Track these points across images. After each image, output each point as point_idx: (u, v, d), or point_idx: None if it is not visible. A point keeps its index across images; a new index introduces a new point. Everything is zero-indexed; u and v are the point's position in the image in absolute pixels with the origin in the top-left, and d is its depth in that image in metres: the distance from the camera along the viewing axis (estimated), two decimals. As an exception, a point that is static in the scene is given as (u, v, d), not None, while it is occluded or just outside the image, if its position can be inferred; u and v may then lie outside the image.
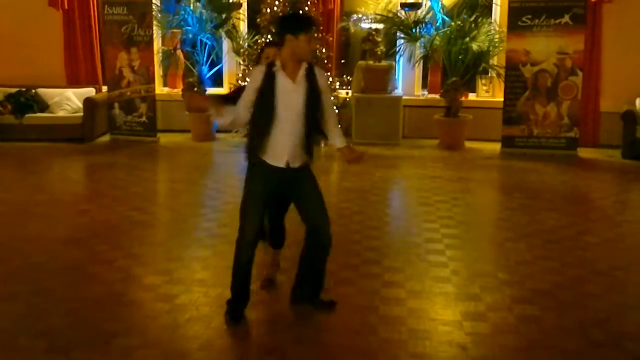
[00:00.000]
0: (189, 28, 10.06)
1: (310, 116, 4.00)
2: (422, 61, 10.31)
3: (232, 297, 4.19)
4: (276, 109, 3.92)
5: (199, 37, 10.10)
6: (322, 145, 8.87)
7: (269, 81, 3.93)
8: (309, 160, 4.12)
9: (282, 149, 3.98)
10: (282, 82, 3.94)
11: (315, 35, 4.13)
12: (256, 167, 4.06)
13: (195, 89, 10.06)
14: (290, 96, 3.94)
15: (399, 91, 10.37)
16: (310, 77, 3.99)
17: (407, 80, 10.64)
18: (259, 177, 4.06)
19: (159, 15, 10.25)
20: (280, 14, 9.23)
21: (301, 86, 3.96)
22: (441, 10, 9.84)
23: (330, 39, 10.10)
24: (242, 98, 4.05)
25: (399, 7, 10.14)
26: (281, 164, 4.00)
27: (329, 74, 9.63)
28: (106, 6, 10.11)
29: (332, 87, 9.66)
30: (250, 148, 4.06)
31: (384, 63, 10.05)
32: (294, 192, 4.15)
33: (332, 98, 9.29)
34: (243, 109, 4.04)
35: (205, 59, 10.23)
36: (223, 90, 10.59)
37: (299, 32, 3.89)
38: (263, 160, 4.01)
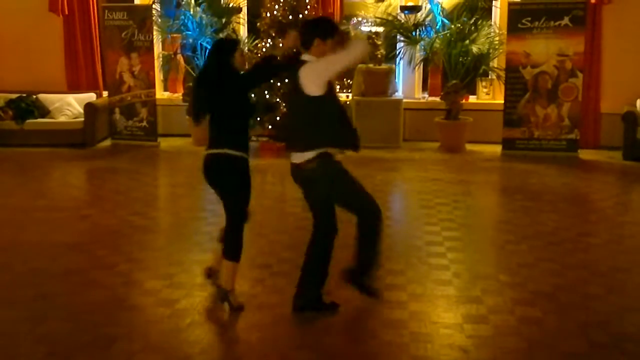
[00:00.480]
0: (189, 33, 10.07)
1: None
2: (422, 64, 10.33)
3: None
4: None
5: (199, 42, 10.12)
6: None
7: None
8: None
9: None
10: None
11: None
12: (334, 159, 4.17)
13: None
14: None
15: (399, 94, 10.36)
16: None
17: (407, 83, 10.64)
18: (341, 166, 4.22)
19: (159, 20, 10.27)
20: (280, 19, 9.26)
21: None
22: (441, 13, 9.85)
23: (331, 42, 10.09)
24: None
25: (399, 10, 10.16)
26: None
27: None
28: (106, 11, 10.13)
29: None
30: (338, 141, 4.18)
31: (384, 66, 10.06)
32: None
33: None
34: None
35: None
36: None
37: (328, 37, 4.11)
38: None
